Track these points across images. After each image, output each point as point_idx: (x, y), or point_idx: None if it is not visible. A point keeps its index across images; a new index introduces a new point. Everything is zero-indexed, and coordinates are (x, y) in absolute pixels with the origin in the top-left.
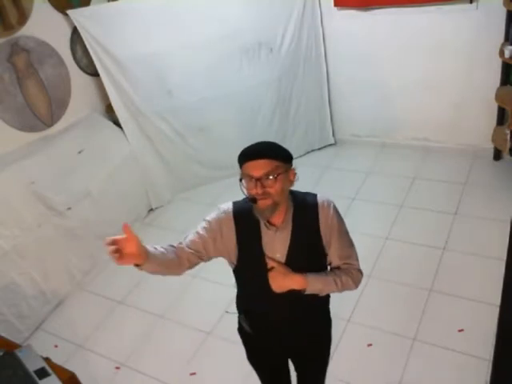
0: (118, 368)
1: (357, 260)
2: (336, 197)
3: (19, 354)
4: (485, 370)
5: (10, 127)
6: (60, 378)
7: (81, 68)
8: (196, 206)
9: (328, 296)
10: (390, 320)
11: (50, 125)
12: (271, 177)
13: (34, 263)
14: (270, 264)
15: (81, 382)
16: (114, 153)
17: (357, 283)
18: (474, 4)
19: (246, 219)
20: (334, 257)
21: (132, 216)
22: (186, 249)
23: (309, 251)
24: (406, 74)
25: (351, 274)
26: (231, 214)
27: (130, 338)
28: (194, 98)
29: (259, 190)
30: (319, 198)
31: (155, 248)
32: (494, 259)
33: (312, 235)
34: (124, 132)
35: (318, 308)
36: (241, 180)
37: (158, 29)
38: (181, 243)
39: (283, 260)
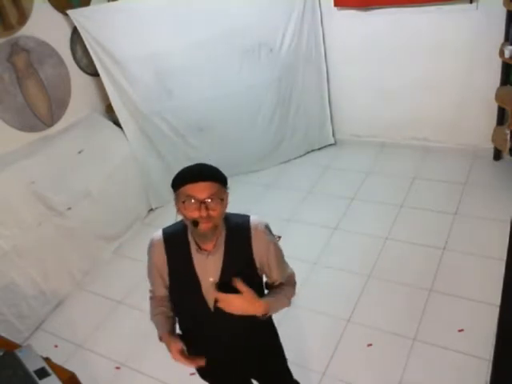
0: (118, 368)
1: (288, 266)
2: (336, 197)
3: (19, 354)
4: (485, 370)
5: (10, 127)
6: (60, 378)
7: (81, 68)
8: None
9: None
10: (390, 320)
11: (50, 125)
12: (216, 199)
13: (33, 263)
14: (240, 287)
15: (81, 382)
16: (114, 153)
17: (295, 287)
18: (474, 4)
19: (176, 244)
20: (277, 277)
21: (132, 216)
22: (159, 297)
23: (242, 274)
24: (406, 73)
25: (292, 283)
26: (161, 240)
27: (130, 338)
28: (194, 98)
29: (203, 213)
30: (252, 221)
31: (161, 316)
32: (494, 259)
33: (244, 258)
34: (124, 132)
35: (260, 323)
36: (177, 209)
37: (158, 29)
38: (153, 294)
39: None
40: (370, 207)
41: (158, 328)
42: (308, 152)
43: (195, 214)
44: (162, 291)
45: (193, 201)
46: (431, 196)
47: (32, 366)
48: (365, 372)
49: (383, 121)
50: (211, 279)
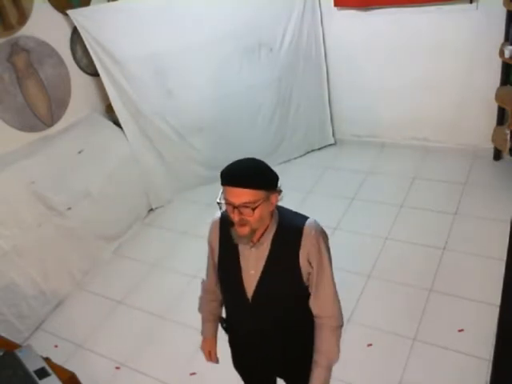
0: (118, 368)
1: (338, 310)
2: (336, 197)
3: (19, 354)
4: (485, 370)
5: (10, 127)
6: (60, 378)
7: (81, 68)
8: (196, 206)
9: (310, 319)
10: (390, 320)
11: (50, 125)
12: (249, 208)
13: (33, 263)
14: None
15: (81, 382)
16: (114, 153)
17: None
18: (474, 4)
19: (228, 229)
20: (321, 300)
21: (132, 216)
22: (213, 283)
23: (284, 274)
24: (406, 73)
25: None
26: (218, 221)
27: (130, 338)
28: (194, 98)
29: (236, 218)
30: (307, 224)
31: (208, 310)
32: (494, 259)
33: (290, 259)
34: (124, 132)
35: (299, 328)
36: (220, 202)
37: (158, 29)
38: (206, 278)
39: (257, 278)
40: (369, 207)
41: (203, 326)
42: (308, 152)
43: (231, 216)
44: (213, 275)
45: (228, 204)
46: (431, 196)
47: (32, 366)
48: (365, 372)
49: (383, 121)
50: (252, 272)
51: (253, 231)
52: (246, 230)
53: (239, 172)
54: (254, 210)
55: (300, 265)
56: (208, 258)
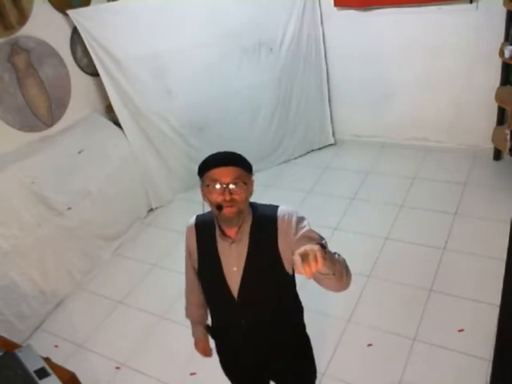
0: (118, 368)
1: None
2: (336, 197)
3: (19, 354)
4: (485, 370)
5: (9, 127)
6: (60, 378)
7: (81, 68)
8: (196, 206)
9: (300, 311)
10: (390, 320)
11: (50, 125)
12: (239, 183)
13: (33, 263)
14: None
15: (81, 382)
16: (114, 153)
17: (347, 268)
18: (474, 4)
19: (205, 230)
20: None
21: (132, 216)
22: (194, 280)
23: (267, 266)
24: (406, 73)
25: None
26: (193, 225)
27: (130, 338)
28: (194, 97)
29: (227, 197)
30: (280, 212)
31: (197, 315)
32: (494, 259)
33: (270, 249)
34: (124, 132)
35: (287, 323)
36: (208, 185)
37: (158, 29)
38: (186, 284)
39: (240, 274)
40: (369, 207)
41: (194, 328)
42: (308, 152)
43: (219, 199)
44: (192, 279)
45: (217, 185)
46: (431, 196)
47: (32, 365)
48: (365, 372)
49: (383, 121)
50: (235, 268)
51: (239, 212)
52: (233, 211)
53: (223, 155)
54: (245, 184)
55: (280, 253)
56: (186, 271)
